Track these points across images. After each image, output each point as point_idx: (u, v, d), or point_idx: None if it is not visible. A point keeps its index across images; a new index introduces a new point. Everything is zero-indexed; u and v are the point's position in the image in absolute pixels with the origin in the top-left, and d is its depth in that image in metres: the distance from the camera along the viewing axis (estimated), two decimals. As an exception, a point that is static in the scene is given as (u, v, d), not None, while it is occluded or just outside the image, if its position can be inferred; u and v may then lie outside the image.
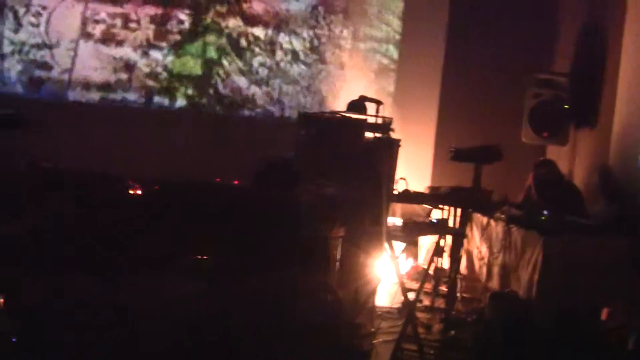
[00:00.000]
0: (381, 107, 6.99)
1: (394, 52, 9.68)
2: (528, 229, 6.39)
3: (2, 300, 4.66)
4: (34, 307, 5.80)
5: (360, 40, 9.73)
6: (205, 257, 5.22)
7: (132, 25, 9.77)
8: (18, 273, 4.82)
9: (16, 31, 9.63)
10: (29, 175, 7.20)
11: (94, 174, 7.64)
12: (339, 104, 8.37)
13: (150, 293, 6.29)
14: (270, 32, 9.87)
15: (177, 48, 9.88)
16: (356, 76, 9.64)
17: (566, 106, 8.29)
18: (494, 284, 6.86)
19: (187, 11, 9.84)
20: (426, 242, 8.24)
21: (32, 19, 9.62)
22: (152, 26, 9.79)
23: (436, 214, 7.51)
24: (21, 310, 5.05)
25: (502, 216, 6.90)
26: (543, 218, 6.53)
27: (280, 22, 9.89)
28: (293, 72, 9.78)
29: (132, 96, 9.72)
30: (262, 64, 9.89)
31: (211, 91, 9.78)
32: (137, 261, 6.85)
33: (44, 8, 9.65)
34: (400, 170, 7.14)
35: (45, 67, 9.70)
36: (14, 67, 9.64)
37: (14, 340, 4.60)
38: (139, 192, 7.12)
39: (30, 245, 5.18)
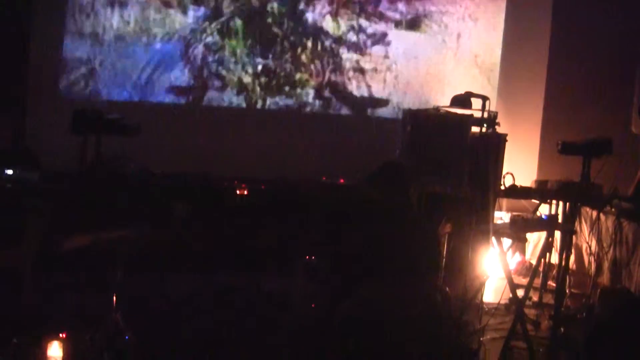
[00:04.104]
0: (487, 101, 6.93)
1: (498, 46, 9.53)
2: (640, 223, 6.26)
3: (115, 299, 4.78)
4: (147, 305, 6.01)
5: (464, 35, 9.60)
6: (313, 257, 5.26)
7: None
8: (132, 273, 4.95)
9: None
10: (139, 179, 7.38)
11: (202, 176, 7.79)
12: (442, 99, 8.27)
13: (257, 291, 6.43)
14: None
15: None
16: (460, 71, 9.54)
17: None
18: (605, 279, 6.74)
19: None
20: (534, 237, 8.12)
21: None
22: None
23: (544, 208, 7.41)
24: (135, 308, 5.21)
25: (612, 210, 6.76)
26: (656, 211, 6.39)
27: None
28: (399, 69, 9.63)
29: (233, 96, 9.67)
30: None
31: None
32: (244, 259, 7.01)
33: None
34: (507, 164, 7.08)
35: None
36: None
37: (127, 338, 4.73)
38: (245, 192, 7.25)
39: (143, 246, 5.30)
